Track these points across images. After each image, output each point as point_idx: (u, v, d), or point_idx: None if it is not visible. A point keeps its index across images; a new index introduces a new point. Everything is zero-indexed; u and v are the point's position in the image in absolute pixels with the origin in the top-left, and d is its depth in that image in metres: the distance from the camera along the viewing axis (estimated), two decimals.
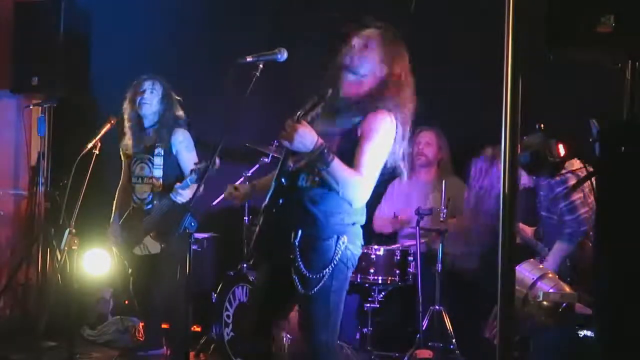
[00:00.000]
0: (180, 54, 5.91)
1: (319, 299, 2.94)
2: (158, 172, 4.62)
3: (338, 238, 2.97)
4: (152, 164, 4.63)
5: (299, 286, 2.94)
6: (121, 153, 4.83)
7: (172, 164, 4.68)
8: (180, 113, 4.78)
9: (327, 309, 2.97)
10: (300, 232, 2.96)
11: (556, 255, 3.79)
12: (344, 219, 3.01)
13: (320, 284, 2.92)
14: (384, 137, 2.97)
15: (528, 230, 4.25)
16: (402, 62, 3.06)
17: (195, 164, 4.31)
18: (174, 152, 4.69)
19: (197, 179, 4.20)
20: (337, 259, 2.95)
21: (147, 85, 4.72)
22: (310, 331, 2.98)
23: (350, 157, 2.91)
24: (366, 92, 3.01)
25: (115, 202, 4.82)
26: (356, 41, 3.05)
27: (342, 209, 3.00)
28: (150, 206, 4.60)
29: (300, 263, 2.93)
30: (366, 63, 3.02)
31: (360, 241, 3.09)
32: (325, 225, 2.97)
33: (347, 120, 2.98)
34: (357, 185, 2.92)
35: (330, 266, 2.93)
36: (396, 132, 3.00)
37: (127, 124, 4.75)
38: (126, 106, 4.75)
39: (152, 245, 4.59)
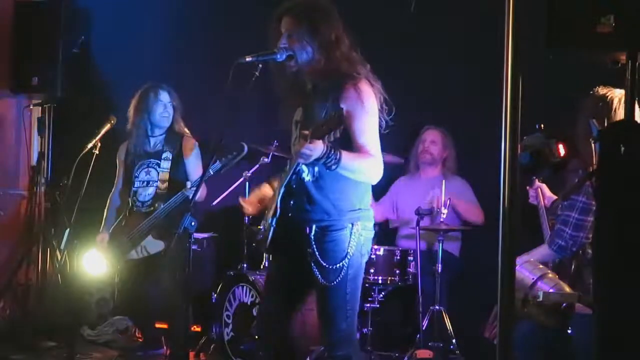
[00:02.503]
0: (180, 54, 5.91)
1: (339, 288, 2.99)
2: (164, 176, 4.62)
3: (352, 226, 3.00)
4: (160, 167, 4.63)
5: (320, 278, 2.97)
6: (117, 159, 4.79)
7: (180, 169, 4.68)
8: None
9: (344, 298, 3.01)
10: (314, 226, 2.98)
11: (536, 257, 3.45)
12: (355, 205, 3.03)
13: (341, 275, 2.97)
14: (372, 107, 2.98)
15: (547, 195, 3.94)
16: (328, 27, 3.03)
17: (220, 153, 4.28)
18: (184, 158, 4.70)
19: (221, 167, 4.21)
20: (353, 248, 2.98)
21: (164, 97, 4.68)
22: (331, 321, 3.02)
23: (346, 139, 2.93)
24: (323, 71, 3.01)
25: (107, 209, 4.78)
26: (281, 41, 3.06)
27: (350, 194, 3.02)
28: (150, 208, 4.59)
29: (318, 256, 2.96)
30: (298, 52, 3.02)
31: (371, 222, 3.10)
32: (338, 215, 3.00)
33: (324, 104, 2.97)
34: (371, 167, 2.97)
35: (347, 256, 2.97)
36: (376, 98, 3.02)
37: (134, 131, 4.69)
38: (135, 114, 4.68)
39: (152, 245, 4.57)
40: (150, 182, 4.66)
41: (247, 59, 3.09)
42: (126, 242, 4.60)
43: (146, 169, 4.69)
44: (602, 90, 3.26)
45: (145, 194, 4.65)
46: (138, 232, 4.58)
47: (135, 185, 4.68)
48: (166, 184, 4.61)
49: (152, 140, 4.71)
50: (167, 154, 4.65)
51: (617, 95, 3.18)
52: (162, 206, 4.53)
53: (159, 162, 4.65)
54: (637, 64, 2.31)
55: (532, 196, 3.86)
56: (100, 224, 4.83)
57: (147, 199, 4.64)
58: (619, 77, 2.44)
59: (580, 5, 2.30)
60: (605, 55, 2.39)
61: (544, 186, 3.93)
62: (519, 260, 3.44)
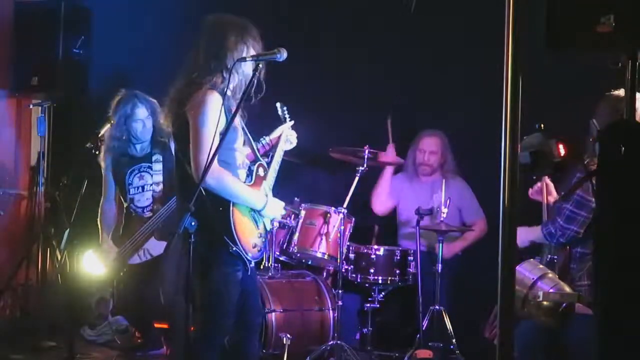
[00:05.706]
0: (180, 53, 5.90)
1: None
2: (159, 178, 4.59)
3: None
4: (152, 170, 4.60)
5: None
6: (101, 167, 4.67)
7: (172, 168, 4.59)
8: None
9: None
10: None
11: (526, 235, 3.48)
12: None
13: None
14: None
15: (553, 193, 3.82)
16: None
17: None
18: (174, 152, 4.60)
19: None
20: None
21: (142, 113, 4.54)
22: None
23: None
24: None
25: (100, 220, 4.68)
26: None
27: None
28: (149, 213, 4.57)
29: None
30: None
31: None
32: None
33: None
34: None
35: None
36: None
37: (116, 143, 4.58)
38: (114, 127, 4.56)
39: (155, 247, 4.54)
40: (145, 187, 4.62)
41: (248, 59, 3.10)
42: (128, 247, 4.58)
43: (139, 174, 4.63)
44: (616, 92, 3.21)
45: (143, 200, 4.62)
46: (140, 236, 4.55)
47: (131, 193, 4.63)
48: (161, 186, 4.59)
49: (139, 146, 4.65)
50: (158, 156, 4.58)
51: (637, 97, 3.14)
52: (161, 209, 4.50)
53: (150, 165, 4.60)
54: (637, 63, 2.31)
55: (536, 191, 3.76)
56: None
57: (146, 203, 4.61)
58: (619, 77, 2.44)
59: (580, 5, 2.30)
60: (605, 55, 2.39)
61: (551, 183, 3.85)
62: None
